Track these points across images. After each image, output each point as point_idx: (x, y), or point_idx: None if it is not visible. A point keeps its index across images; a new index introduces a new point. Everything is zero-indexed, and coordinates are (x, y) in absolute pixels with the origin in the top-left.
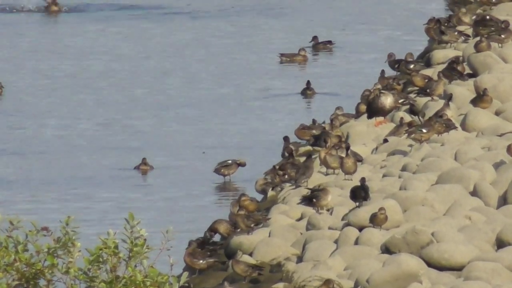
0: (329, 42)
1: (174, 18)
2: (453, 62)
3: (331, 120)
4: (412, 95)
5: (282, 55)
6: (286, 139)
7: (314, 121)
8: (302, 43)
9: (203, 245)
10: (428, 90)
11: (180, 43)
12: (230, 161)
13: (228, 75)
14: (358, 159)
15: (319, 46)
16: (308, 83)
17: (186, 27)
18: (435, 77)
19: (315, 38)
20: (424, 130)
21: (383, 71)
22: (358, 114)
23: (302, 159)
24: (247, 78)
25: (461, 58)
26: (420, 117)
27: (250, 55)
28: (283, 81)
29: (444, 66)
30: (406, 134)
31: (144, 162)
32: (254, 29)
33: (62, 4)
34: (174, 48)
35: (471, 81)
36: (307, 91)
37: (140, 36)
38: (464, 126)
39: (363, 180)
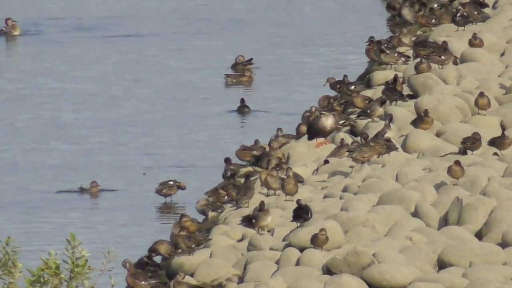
0: (249, 61)
1: (117, 40)
2: (390, 83)
3: (271, 141)
4: (352, 116)
5: (227, 76)
6: (227, 160)
7: (256, 142)
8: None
9: (143, 266)
10: (368, 111)
11: (120, 63)
12: (171, 182)
13: (168, 94)
14: (299, 180)
15: (239, 67)
16: (242, 101)
17: (126, 48)
18: (375, 98)
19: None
20: (364, 148)
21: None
22: (298, 135)
23: (243, 180)
24: (187, 97)
25: (400, 78)
26: (362, 138)
27: (190, 74)
28: (224, 101)
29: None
30: (347, 153)
31: (93, 184)
32: (192, 49)
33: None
34: (115, 68)
35: (411, 102)
36: (242, 109)
37: (81, 57)
38: (405, 147)
39: (298, 201)
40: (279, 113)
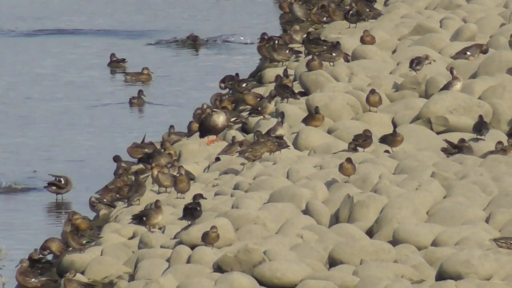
0: (123, 60)
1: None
2: (280, 77)
3: (163, 139)
4: (244, 114)
5: (126, 74)
6: (116, 158)
7: (144, 139)
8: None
9: (33, 263)
10: (259, 109)
11: (15, 62)
12: (61, 179)
13: (60, 92)
14: (191, 177)
15: (114, 64)
16: (140, 92)
17: (21, 48)
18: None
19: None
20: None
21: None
22: (190, 133)
23: (134, 177)
24: (78, 95)
25: (286, 77)
26: (256, 136)
27: (75, 74)
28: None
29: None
30: (238, 154)
31: None
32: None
33: None
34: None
35: (303, 100)
36: (138, 100)
37: None
38: (296, 144)
39: (196, 197)
40: (172, 109)
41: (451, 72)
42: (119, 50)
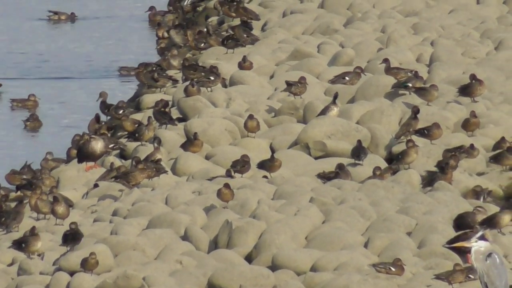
0: None
1: None
2: (161, 105)
3: (41, 165)
4: (122, 140)
5: (12, 100)
6: None
7: (25, 165)
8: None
9: None
10: (137, 135)
11: None
12: None
13: None
14: (69, 204)
15: None
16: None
17: None
18: (145, 122)
19: None
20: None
21: (97, 115)
22: (69, 159)
23: (13, 204)
24: None
25: (165, 103)
26: (133, 162)
27: None
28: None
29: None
30: (116, 180)
31: None
32: None
33: None
34: None
35: (181, 126)
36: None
37: None
38: (174, 170)
39: (73, 224)
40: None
41: (335, 97)
42: None
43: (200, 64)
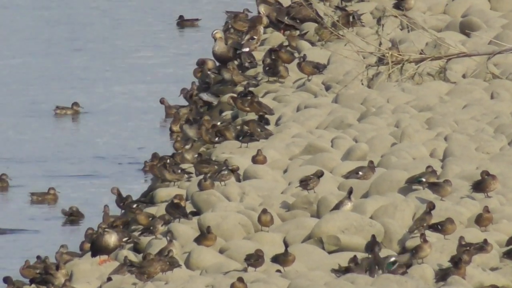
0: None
1: None
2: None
3: (56, 258)
4: (136, 233)
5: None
6: (7, 280)
7: (38, 257)
8: None
9: None
10: (151, 228)
11: None
12: None
13: None
14: None
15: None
16: None
17: None
18: (158, 215)
19: None
20: None
21: (106, 206)
22: (82, 252)
23: None
24: None
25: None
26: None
27: None
28: None
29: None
30: (129, 273)
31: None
32: None
33: None
34: None
35: (195, 220)
36: None
37: None
38: (188, 264)
39: None
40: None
41: (350, 192)
42: None
43: (213, 159)
